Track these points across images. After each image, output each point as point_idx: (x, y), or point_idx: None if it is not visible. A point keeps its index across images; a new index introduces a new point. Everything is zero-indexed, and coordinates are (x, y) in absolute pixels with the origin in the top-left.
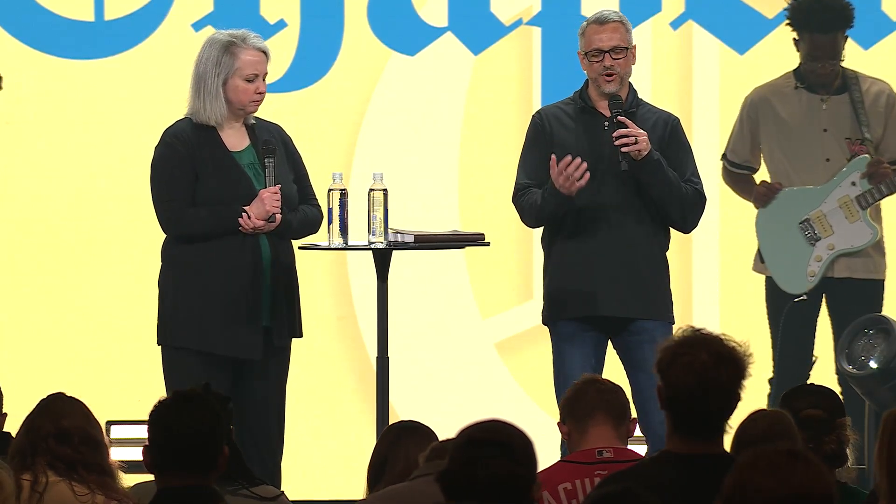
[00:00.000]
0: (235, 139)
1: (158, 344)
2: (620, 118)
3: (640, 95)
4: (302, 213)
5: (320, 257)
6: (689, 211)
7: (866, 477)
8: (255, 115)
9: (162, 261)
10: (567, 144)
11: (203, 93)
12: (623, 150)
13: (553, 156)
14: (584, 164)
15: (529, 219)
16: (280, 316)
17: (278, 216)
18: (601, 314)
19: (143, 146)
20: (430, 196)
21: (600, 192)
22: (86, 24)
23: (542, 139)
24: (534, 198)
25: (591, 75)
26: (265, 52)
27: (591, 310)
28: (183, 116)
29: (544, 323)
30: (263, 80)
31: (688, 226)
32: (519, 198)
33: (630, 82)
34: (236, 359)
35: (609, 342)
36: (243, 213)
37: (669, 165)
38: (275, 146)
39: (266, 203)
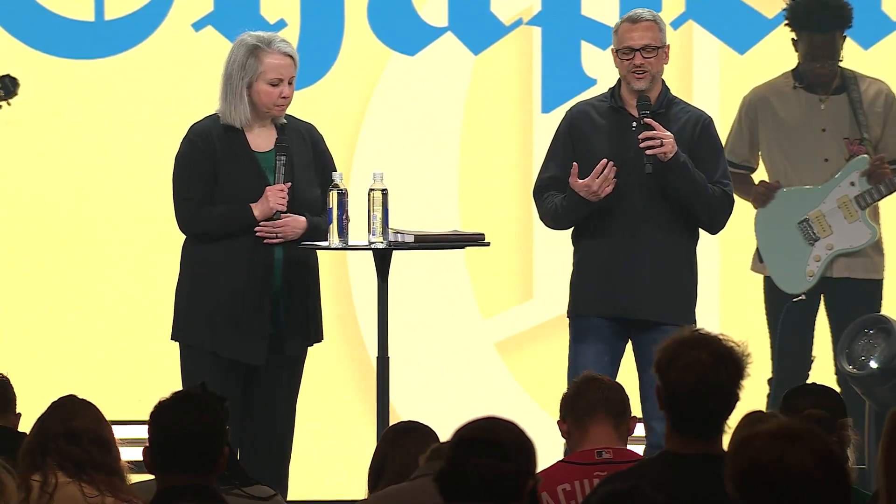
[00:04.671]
0: (262, 139)
1: (173, 339)
2: (647, 120)
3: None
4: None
5: (320, 257)
6: (715, 213)
7: (867, 477)
8: (288, 113)
9: (181, 258)
10: (595, 145)
11: (229, 94)
12: (648, 152)
13: (575, 164)
14: (613, 166)
15: (548, 221)
16: (293, 323)
17: (300, 221)
18: (621, 316)
19: (143, 145)
20: (430, 196)
21: (626, 192)
22: (86, 24)
23: (570, 138)
24: (554, 202)
25: (622, 73)
26: (292, 57)
27: (611, 311)
28: (213, 113)
29: (568, 316)
30: (290, 84)
31: (715, 227)
32: (540, 196)
33: (663, 80)
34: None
35: (630, 343)
36: (251, 210)
37: (699, 165)
38: (287, 145)
39: (270, 200)
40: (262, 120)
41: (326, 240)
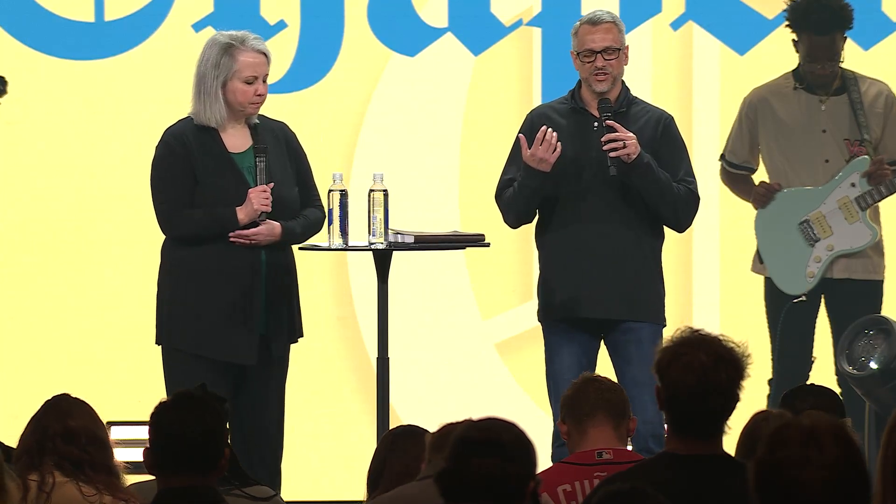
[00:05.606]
0: (237, 140)
1: (157, 343)
2: (609, 122)
3: (636, 94)
4: (304, 219)
5: (320, 258)
6: (681, 212)
7: None
8: (260, 113)
9: (161, 261)
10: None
11: (203, 94)
12: (611, 154)
13: (521, 136)
14: (553, 132)
15: (508, 214)
16: (278, 324)
17: (275, 229)
18: (588, 317)
19: (143, 146)
20: (430, 196)
21: (590, 193)
22: (86, 25)
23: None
24: (510, 192)
25: (583, 75)
26: (265, 54)
27: (578, 312)
28: (186, 116)
29: (539, 321)
30: (264, 81)
31: (681, 226)
32: (501, 195)
33: (623, 81)
34: (234, 363)
35: (602, 342)
36: (236, 214)
37: (662, 164)
38: (265, 146)
39: (254, 202)
40: (236, 119)
41: (304, 240)
